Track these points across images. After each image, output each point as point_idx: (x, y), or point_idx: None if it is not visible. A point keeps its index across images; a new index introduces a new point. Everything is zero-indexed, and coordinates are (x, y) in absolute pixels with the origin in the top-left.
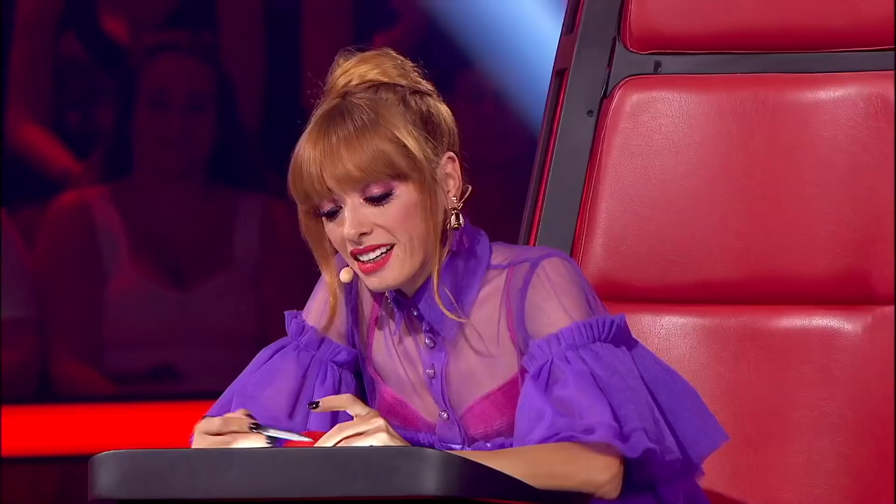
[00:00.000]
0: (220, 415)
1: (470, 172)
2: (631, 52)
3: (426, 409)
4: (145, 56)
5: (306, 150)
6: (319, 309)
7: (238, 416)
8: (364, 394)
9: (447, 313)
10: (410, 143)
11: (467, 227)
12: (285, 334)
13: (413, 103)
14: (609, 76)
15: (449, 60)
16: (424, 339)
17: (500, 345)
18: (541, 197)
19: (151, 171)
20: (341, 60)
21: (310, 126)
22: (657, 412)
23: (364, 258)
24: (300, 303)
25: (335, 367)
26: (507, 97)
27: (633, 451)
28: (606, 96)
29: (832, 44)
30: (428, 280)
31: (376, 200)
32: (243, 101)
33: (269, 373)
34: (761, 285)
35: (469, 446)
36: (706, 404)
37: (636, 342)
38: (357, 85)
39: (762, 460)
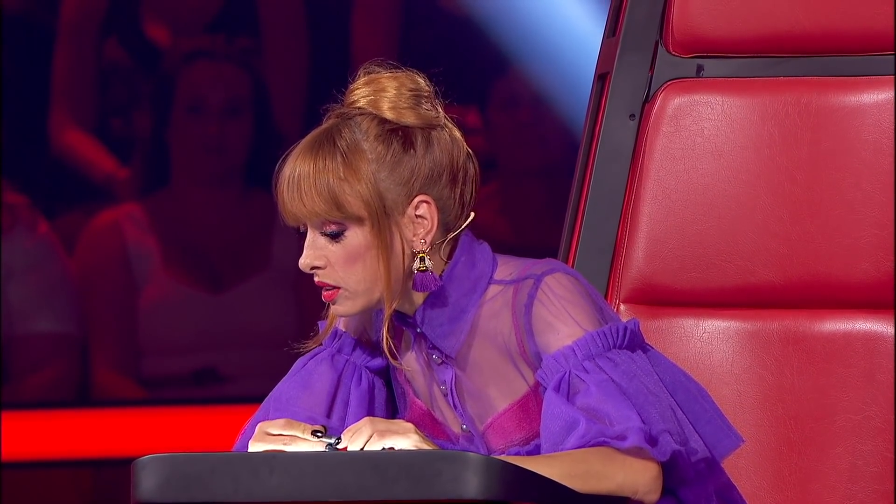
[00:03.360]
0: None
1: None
2: (673, 55)
3: (449, 421)
4: (182, 61)
5: (284, 171)
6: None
7: (301, 422)
8: (393, 404)
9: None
10: (365, 191)
11: (465, 243)
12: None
13: (393, 143)
14: (651, 80)
15: (489, 64)
16: (433, 356)
17: (511, 360)
18: (583, 200)
19: (189, 176)
20: (361, 74)
21: (298, 144)
22: (679, 413)
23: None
24: None
25: (368, 372)
26: (548, 101)
27: (662, 454)
28: (648, 100)
29: (875, 47)
30: (428, 298)
31: (330, 237)
32: (282, 105)
33: (305, 377)
34: (804, 289)
35: None
36: (746, 408)
37: (650, 347)
38: (354, 106)
39: (805, 464)
